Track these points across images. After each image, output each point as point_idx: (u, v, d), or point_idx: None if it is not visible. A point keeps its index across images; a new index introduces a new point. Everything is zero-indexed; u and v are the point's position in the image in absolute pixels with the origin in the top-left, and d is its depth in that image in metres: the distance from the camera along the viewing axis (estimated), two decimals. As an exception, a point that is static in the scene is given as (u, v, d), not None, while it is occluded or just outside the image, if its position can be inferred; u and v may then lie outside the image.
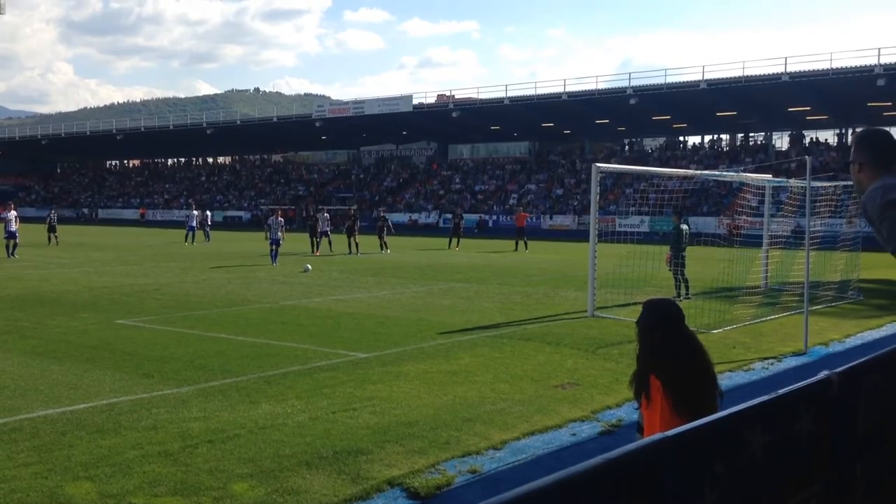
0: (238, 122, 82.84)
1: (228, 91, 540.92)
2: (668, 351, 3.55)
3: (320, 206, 47.05)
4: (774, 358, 11.11)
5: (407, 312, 15.09)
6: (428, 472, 6.23)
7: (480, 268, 25.44)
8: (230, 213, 76.12)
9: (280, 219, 27.48)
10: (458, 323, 13.74)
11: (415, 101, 68.07)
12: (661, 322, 3.60)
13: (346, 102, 77.11)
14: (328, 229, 33.24)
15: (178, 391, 8.65)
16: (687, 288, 17.47)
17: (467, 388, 8.91)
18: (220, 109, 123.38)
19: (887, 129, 4.09)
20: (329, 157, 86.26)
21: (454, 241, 36.61)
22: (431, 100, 71.95)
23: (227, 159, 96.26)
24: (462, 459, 6.55)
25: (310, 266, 24.09)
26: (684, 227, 18.21)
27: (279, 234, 26.55)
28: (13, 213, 29.60)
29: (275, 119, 79.86)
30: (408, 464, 6.38)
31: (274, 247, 26.33)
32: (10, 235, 28.28)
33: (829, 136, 61.15)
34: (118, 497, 5.61)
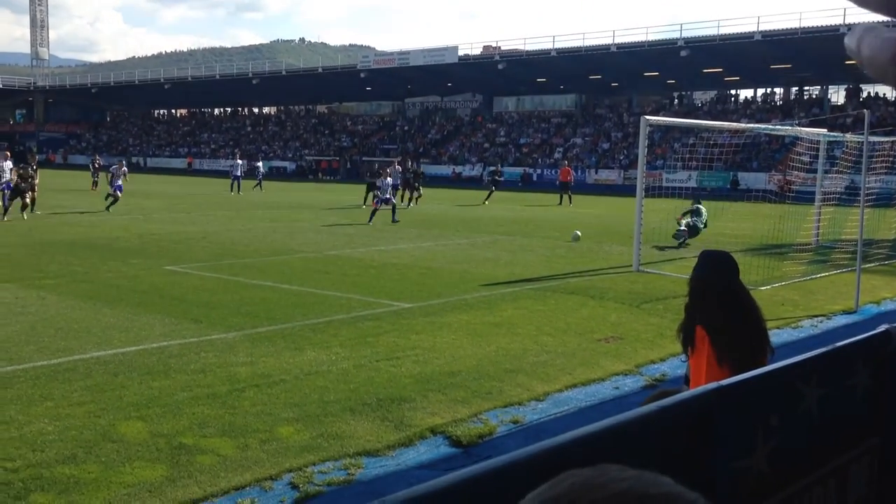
0: (283, 73, 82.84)
1: (274, 41, 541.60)
2: (719, 303, 3.49)
3: (391, 159, 44.77)
4: (824, 316, 10.91)
5: (450, 264, 15.11)
6: (470, 422, 6.28)
7: (524, 221, 25.31)
8: (275, 163, 76.65)
9: (388, 179, 25.46)
10: (501, 275, 13.72)
11: (460, 53, 67.28)
12: (715, 273, 3.53)
13: (391, 53, 76.54)
14: (398, 183, 30.85)
15: (226, 336, 8.81)
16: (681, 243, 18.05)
17: (510, 339, 8.92)
18: (266, 59, 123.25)
19: None
20: (373, 109, 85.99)
21: (489, 194, 35.59)
22: (477, 51, 71.06)
23: (273, 110, 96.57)
24: (504, 410, 6.58)
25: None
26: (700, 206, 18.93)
27: (388, 194, 24.76)
28: (125, 169, 28.91)
29: (320, 70, 79.65)
30: (450, 413, 6.43)
31: (380, 205, 24.18)
32: (118, 189, 26.80)
33: (887, 91, 59.11)
34: (169, 436, 5.76)
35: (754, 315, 3.58)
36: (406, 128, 77.74)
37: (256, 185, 41.17)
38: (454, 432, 6.04)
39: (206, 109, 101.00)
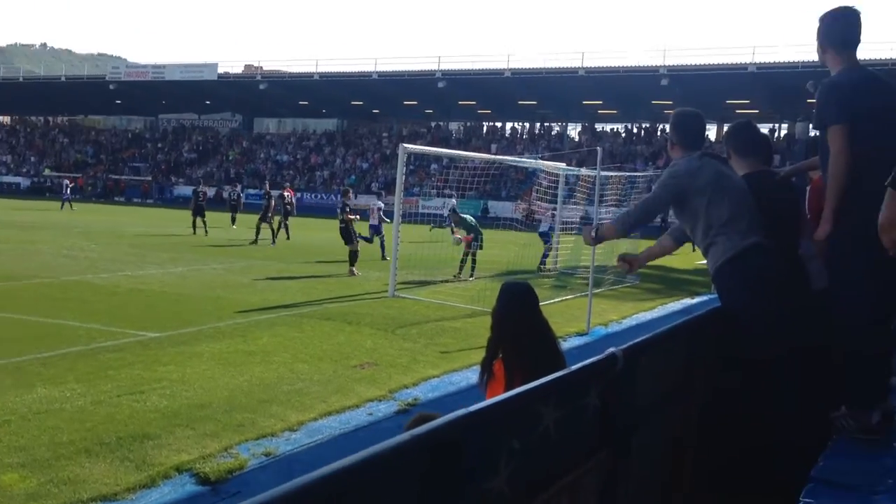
0: (20, 80, 75.83)
1: (11, 45, 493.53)
2: (516, 336, 3.44)
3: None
4: (560, 338, 11.67)
5: (203, 290, 14.48)
6: (220, 457, 6.00)
7: (282, 247, 24.94)
8: (5, 178, 69.43)
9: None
10: (257, 302, 13.36)
11: (220, 70, 65.38)
12: (515, 307, 3.49)
13: (145, 66, 72.60)
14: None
15: (-64, 373, 7.76)
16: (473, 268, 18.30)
17: (265, 368, 8.68)
18: (1, 64, 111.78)
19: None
20: (123, 124, 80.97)
21: (198, 221, 27.77)
22: (238, 69, 69.54)
23: (6, 119, 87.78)
24: (256, 442, 6.37)
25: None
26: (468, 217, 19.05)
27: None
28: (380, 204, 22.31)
29: (63, 79, 73.81)
30: (198, 448, 6.10)
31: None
32: (376, 231, 22.12)
33: (617, 129, 65.34)
34: None
35: (553, 351, 3.49)
36: (159, 145, 73.93)
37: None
38: (202, 469, 5.73)
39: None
